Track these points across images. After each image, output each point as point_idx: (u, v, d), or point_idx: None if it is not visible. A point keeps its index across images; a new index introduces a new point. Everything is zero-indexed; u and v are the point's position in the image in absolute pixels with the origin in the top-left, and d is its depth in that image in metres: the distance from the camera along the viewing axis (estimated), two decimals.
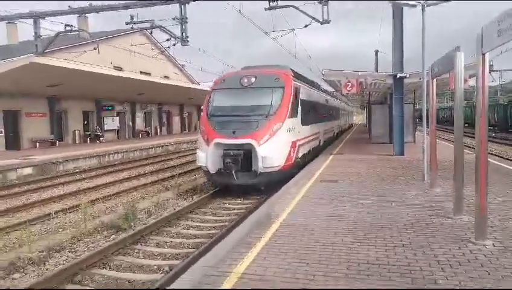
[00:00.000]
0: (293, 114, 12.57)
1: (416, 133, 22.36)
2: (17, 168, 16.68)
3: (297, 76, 15.14)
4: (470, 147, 17.33)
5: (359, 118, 77.33)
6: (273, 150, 11.15)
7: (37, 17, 18.35)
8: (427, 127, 9.92)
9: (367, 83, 17.21)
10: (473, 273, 4.35)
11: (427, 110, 9.70)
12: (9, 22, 28.52)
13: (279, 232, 6.08)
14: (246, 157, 11.17)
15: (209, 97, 13.13)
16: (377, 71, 29.98)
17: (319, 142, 18.55)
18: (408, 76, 15.34)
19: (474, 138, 5.57)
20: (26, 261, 7.07)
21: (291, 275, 4.46)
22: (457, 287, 4.01)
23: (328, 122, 23.10)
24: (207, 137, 11.80)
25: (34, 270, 6.83)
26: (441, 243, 5.37)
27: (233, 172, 11.03)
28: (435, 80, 8.40)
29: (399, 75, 15.36)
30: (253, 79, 12.68)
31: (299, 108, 13.43)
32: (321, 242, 5.54)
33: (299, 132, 13.22)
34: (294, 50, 24.83)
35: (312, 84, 19.23)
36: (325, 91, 24.86)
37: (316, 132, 17.48)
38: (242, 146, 11.20)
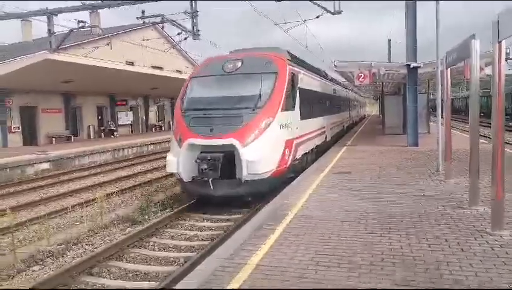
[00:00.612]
0: (289, 106, 10.52)
1: (431, 123, 22.08)
2: (35, 163, 17.02)
3: (297, 61, 12.98)
4: (485, 136, 17.02)
5: (372, 109, 76.57)
6: (261, 151, 9.09)
7: (50, 14, 18.55)
8: (442, 117, 9.79)
9: (380, 73, 16.99)
10: (488, 264, 4.31)
11: (442, 100, 9.57)
12: (23, 20, 28.87)
13: (293, 223, 6.10)
14: (227, 161, 9.20)
15: (186, 87, 11.05)
16: (389, 61, 29.57)
17: (325, 138, 16.47)
18: (422, 66, 15.12)
19: (490, 127, 5.48)
20: (45, 254, 7.25)
21: (305, 266, 4.49)
22: (460, 287, 3.96)
23: (337, 114, 21.12)
24: (179, 136, 9.75)
25: (52, 263, 7.00)
26: (456, 233, 5.33)
27: (210, 181, 8.96)
28: (449, 69, 8.27)
29: (412, 65, 15.13)
30: (238, 64, 10.61)
31: (298, 99, 11.41)
32: (335, 233, 5.55)
33: (297, 127, 11.15)
34: (305, 42, 24.55)
35: (316, 71, 17.09)
36: (333, 80, 23.09)
37: (321, 126, 15.46)
38: (222, 147, 9.19)
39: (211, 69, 11.09)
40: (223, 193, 9.17)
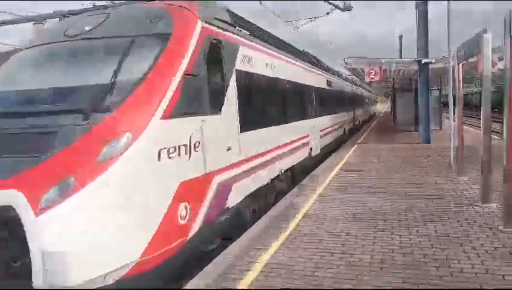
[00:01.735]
0: (199, 105, 5.30)
1: (443, 119, 21.84)
2: None
3: (243, 25, 7.61)
4: (499, 132, 16.78)
5: (384, 106, 75.68)
6: (90, 223, 3.78)
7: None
8: (454, 113, 9.68)
9: (391, 70, 16.87)
10: (500, 262, 4.26)
11: (454, 96, 9.46)
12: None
13: (303, 222, 6.10)
14: (11, 240, 3.75)
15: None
16: (401, 57, 29.30)
17: (309, 151, 11.52)
18: (433, 61, 14.94)
19: (502, 123, 5.42)
20: None
21: (314, 264, 4.49)
22: (461, 287, 3.90)
23: (332, 116, 15.98)
24: None
25: None
26: (468, 231, 5.27)
27: None
28: (461, 64, 8.16)
29: (424, 60, 14.98)
30: (100, 20, 5.66)
31: (234, 91, 6.39)
32: (345, 232, 5.53)
33: (229, 148, 6.01)
34: (315, 40, 24.47)
35: (293, 52, 11.49)
36: (329, 70, 18.40)
37: (299, 137, 10.45)
38: None
39: (51, 33, 6.30)
40: None
